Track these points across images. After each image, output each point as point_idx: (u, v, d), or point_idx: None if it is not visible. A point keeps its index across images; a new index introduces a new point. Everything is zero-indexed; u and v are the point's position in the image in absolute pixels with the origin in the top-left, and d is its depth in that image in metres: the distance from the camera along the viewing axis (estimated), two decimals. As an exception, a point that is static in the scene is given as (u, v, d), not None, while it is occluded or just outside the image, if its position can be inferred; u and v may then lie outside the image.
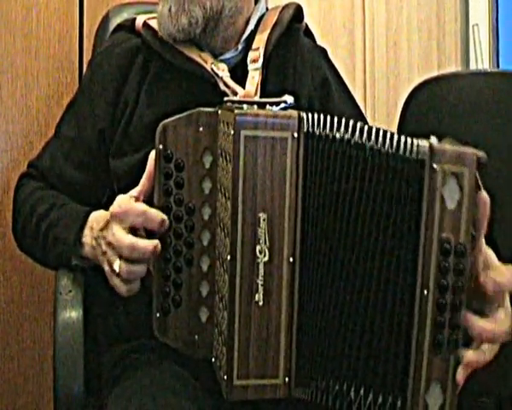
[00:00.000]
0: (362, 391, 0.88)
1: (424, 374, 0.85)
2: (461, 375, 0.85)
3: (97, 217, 1.06)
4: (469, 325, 0.85)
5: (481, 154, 0.85)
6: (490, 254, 0.89)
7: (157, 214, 0.94)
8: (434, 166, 0.84)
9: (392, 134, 0.87)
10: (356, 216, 0.87)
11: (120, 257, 0.95)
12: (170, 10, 1.17)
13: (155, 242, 0.93)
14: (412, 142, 0.86)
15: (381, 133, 0.87)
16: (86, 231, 1.07)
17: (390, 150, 0.86)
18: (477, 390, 0.91)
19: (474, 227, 0.86)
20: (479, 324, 0.85)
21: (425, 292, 0.85)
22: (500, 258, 0.90)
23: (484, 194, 0.86)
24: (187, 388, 1.03)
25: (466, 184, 0.84)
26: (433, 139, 0.87)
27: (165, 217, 0.94)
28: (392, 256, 0.87)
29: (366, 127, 0.88)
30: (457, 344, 0.85)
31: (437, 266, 0.85)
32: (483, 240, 0.88)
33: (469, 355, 0.85)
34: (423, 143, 0.85)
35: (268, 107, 0.91)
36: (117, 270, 0.95)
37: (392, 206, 0.86)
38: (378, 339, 0.87)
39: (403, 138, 0.86)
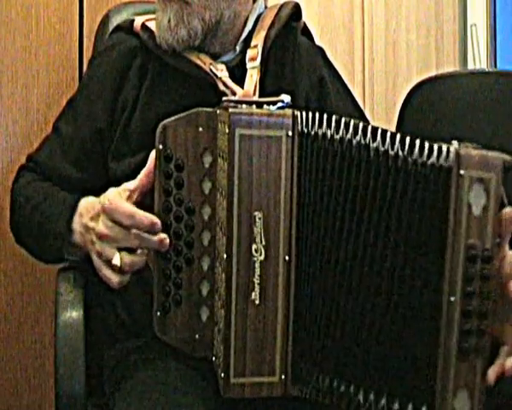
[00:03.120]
0: (372, 396, 0.87)
1: (452, 381, 0.85)
2: (492, 376, 0.85)
3: (87, 204, 1.07)
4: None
5: (508, 157, 0.84)
6: None
7: (146, 218, 0.94)
8: (462, 172, 0.83)
9: (405, 136, 0.86)
10: (352, 215, 0.87)
11: (119, 250, 0.96)
12: (169, 22, 1.17)
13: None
14: (439, 147, 0.84)
15: (379, 132, 0.87)
16: (76, 218, 1.07)
17: (401, 153, 0.85)
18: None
19: (499, 236, 0.85)
20: None
21: (452, 299, 0.84)
22: None
23: (509, 208, 0.85)
24: (192, 386, 1.03)
25: (492, 190, 0.83)
26: (456, 143, 0.85)
27: (156, 220, 0.94)
28: (415, 262, 0.85)
29: (361, 126, 0.87)
30: (484, 351, 0.85)
31: (464, 272, 0.84)
32: (507, 246, 0.87)
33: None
34: (449, 148, 0.84)
35: (265, 106, 0.91)
36: (117, 263, 0.95)
37: (415, 212, 0.85)
38: (377, 341, 0.87)
39: (426, 143, 0.85)
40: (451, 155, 0.83)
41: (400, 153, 0.86)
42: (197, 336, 0.96)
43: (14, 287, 1.66)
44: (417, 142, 0.85)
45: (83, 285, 1.15)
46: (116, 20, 1.49)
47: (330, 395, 0.89)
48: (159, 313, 0.96)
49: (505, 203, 0.85)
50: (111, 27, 1.48)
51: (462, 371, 0.85)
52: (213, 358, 0.96)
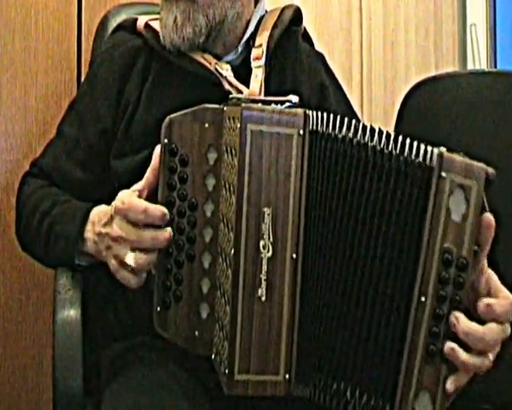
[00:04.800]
0: (357, 392, 0.89)
1: (414, 382, 0.85)
2: (451, 384, 0.85)
3: (99, 212, 1.06)
4: (460, 326, 0.84)
5: (491, 170, 0.84)
6: (492, 276, 0.88)
7: (157, 209, 0.94)
8: (443, 174, 0.84)
9: (398, 136, 0.87)
10: (358, 214, 0.88)
11: (133, 250, 0.95)
12: (175, 21, 1.17)
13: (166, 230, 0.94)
14: (424, 147, 0.86)
15: (384, 134, 0.88)
16: (88, 227, 1.07)
17: (394, 151, 0.86)
18: (478, 397, 0.91)
19: (478, 245, 0.85)
20: (469, 325, 0.84)
21: (422, 299, 0.85)
22: (501, 279, 0.89)
23: (489, 215, 0.85)
24: (182, 386, 1.03)
25: (473, 199, 0.84)
26: (443, 149, 0.86)
27: (165, 210, 0.94)
28: (393, 259, 0.87)
29: (369, 127, 0.88)
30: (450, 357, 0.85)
31: (437, 275, 0.85)
32: (485, 261, 0.87)
33: (464, 357, 0.84)
34: (433, 149, 0.85)
35: (273, 105, 0.91)
36: (131, 263, 0.95)
37: (396, 208, 0.86)
38: (374, 341, 0.88)
39: (415, 143, 0.86)
40: (434, 155, 0.85)
41: (394, 151, 0.87)
42: (197, 333, 0.96)
43: (13, 286, 1.66)
44: (407, 141, 0.87)
45: (81, 284, 1.14)
46: (115, 22, 1.49)
47: (324, 394, 0.90)
48: (159, 309, 0.96)
49: (486, 211, 0.85)
50: (110, 28, 1.48)
51: (426, 373, 0.85)
52: (213, 355, 0.95)
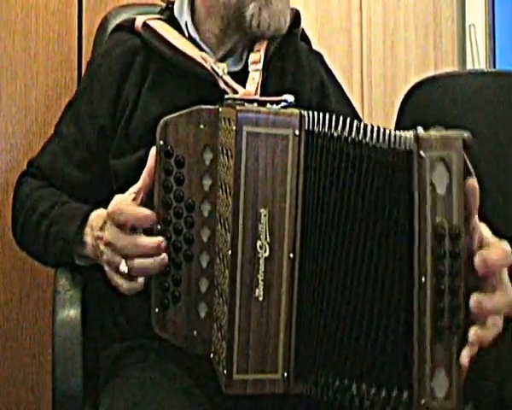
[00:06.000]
0: (364, 386, 0.89)
1: (428, 362, 0.86)
2: (465, 358, 0.86)
3: (97, 216, 1.07)
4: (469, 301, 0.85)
5: (467, 135, 0.86)
6: (484, 229, 0.89)
7: (140, 212, 0.94)
8: (421, 153, 0.85)
9: (383, 130, 0.88)
10: (355, 212, 0.88)
11: (125, 257, 0.95)
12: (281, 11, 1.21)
13: (156, 239, 0.94)
14: (400, 134, 0.87)
15: (375, 130, 0.89)
16: (87, 230, 1.07)
17: (383, 145, 0.88)
18: (480, 375, 0.91)
19: (466, 208, 0.87)
20: (478, 298, 0.85)
21: (423, 279, 0.85)
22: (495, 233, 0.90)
23: (472, 180, 0.87)
24: (181, 386, 1.03)
25: (454, 168, 0.85)
26: (420, 129, 0.88)
27: (149, 212, 0.94)
28: (389, 247, 0.87)
29: (362, 125, 0.89)
30: (458, 328, 0.86)
31: (433, 252, 0.85)
32: (476, 218, 0.88)
33: (474, 333, 0.85)
34: (409, 133, 0.87)
35: (268, 105, 0.91)
36: (125, 270, 0.95)
37: (386, 198, 0.88)
38: (378, 333, 0.88)
39: (393, 132, 0.88)
40: (411, 138, 0.86)
41: (376, 143, 0.88)
42: (195, 332, 0.96)
43: (13, 286, 1.67)
44: (386, 131, 0.88)
45: (81, 284, 1.14)
46: (116, 23, 1.48)
47: (327, 391, 0.90)
48: (157, 310, 0.96)
49: (472, 175, 0.87)
50: (110, 29, 1.48)
51: (438, 350, 0.86)
52: (212, 355, 0.95)
